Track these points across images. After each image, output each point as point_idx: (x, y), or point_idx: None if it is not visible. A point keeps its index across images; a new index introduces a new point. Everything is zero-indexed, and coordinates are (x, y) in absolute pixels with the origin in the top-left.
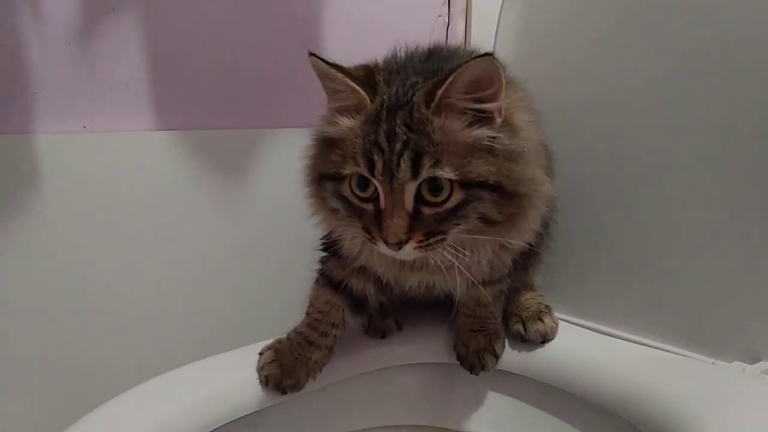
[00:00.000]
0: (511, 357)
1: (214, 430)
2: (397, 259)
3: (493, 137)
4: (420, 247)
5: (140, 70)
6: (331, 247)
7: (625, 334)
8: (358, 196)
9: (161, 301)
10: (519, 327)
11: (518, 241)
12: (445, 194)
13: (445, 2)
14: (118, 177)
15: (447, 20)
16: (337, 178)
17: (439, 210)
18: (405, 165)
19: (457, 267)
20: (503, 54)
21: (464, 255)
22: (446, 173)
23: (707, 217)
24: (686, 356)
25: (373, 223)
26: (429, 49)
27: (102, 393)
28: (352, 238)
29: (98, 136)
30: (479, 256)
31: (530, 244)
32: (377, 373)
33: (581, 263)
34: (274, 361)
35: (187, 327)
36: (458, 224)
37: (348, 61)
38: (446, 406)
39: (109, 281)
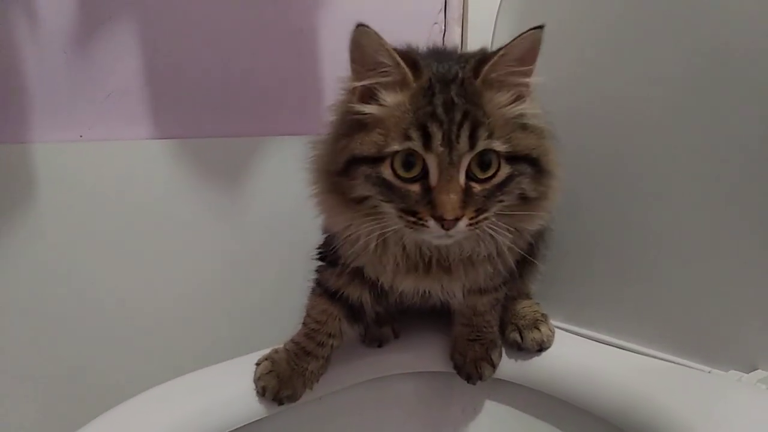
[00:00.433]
0: (507, 365)
1: None
2: (428, 245)
3: (531, 113)
4: (471, 224)
5: (137, 79)
6: (327, 256)
7: (621, 342)
8: (400, 177)
9: (157, 310)
10: (516, 335)
11: (537, 226)
12: (493, 169)
13: (441, 10)
14: (115, 186)
15: (443, 28)
16: (377, 160)
17: (486, 186)
18: (464, 135)
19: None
20: None
21: (485, 242)
22: (498, 146)
23: (703, 225)
24: (683, 365)
25: (422, 203)
26: (429, 48)
27: (98, 403)
28: (368, 234)
29: (95, 145)
30: (497, 245)
31: (526, 253)
32: (374, 382)
33: (577, 271)
34: (270, 372)
35: (183, 336)
36: (502, 200)
37: (345, 68)
38: (443, 414)
39: (106, 291)
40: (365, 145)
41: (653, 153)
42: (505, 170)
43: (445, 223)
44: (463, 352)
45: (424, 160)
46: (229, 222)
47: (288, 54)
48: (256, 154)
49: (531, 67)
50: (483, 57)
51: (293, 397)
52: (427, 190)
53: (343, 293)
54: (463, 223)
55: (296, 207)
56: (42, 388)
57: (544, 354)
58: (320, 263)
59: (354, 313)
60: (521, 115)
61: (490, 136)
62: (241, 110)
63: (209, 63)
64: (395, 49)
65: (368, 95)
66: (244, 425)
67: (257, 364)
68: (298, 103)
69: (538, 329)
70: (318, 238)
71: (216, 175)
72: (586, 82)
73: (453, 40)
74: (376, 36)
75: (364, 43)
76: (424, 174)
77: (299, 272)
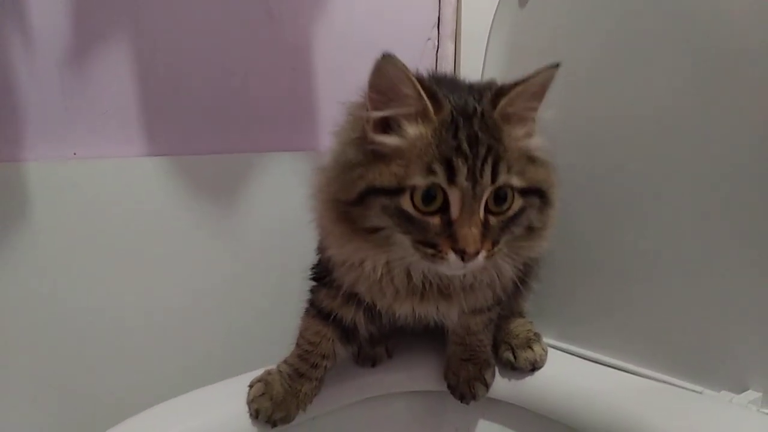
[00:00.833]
0: (501, 385)
1: None
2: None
3: (540, 146)
4: (488, 256)
5: (131, 96)
6: (321, 276)
7: (614, 361)
8: (419, 209)
9: (151, 329)
10: (509, 355)
11: (538, 253)
12: (509, 202)
13: (434, 26)
14: (109, 204)
15: (437, 43)
16: (396, 191)
17: (501, 218)
18: (487, 170)
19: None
20: (492, 77)
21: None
22: (516, 181)
23: (695, 244)
24: (675, 384)
25: (442, 235)
26: (429, 74)
27: (90, 425)
28: (373, 264)
29: (88, 163)
30: (499, 272)
31: (521, 274)
32: (368, 402)
33: (569, 289)
34: (264, 394)
35: (176, 356)
36: (513, 232)
37: (340, 84)
38: None
39: (99, 309)
40: (384, 176)
41: (645, 171)
42: (518, 203)
43: (465, 257)
44: (456, 372)
45: (445, 193)
46: (224, 239)
47: (282, 71)
48: (250, 171)
49: (542, 101)
50: (499, 90)
51: (287, 419)
52: (448, 222)
53: (336, 314)
54: (481, 256)
55: (291, 224)
56: (34, 407)
57: (537, 373)
58: (314, 283)
59: (347, 333)
60: (532, 148)
61: (509, 171)
62: (236, 127)
63: (203, 80)
64: (418, 79)
65: (385, 125)
66: None
67: (250, 386)
68: (293, 119)
69: (531, 349)
70: (312, 257)
71: (210, 191)
72: (575, 99)
73: (446, 55)
74: (403, 66)
75: (389, 73)
76: (445, 207)
77: (294, 288)
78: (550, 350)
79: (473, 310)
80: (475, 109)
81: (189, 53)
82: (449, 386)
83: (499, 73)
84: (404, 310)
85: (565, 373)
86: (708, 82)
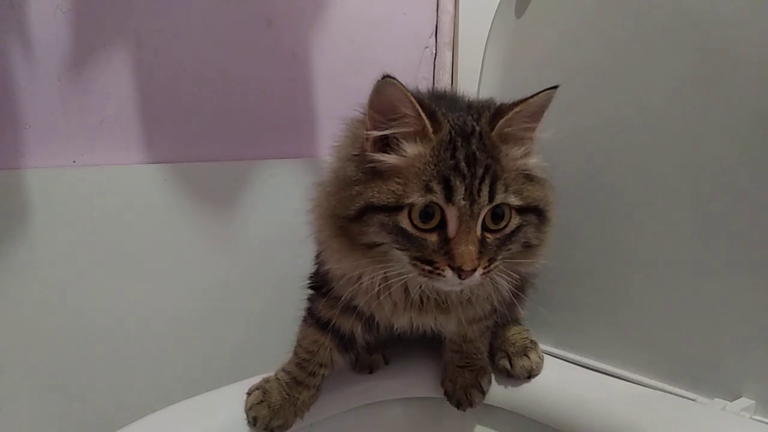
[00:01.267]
0: (497, 392)
1: None
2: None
3: (537, 165)
4: (485, 273)
5: (130, 104)
6: (319, 286)
7: (609, 368)
8: (417, 227)
9: (149, 336)
10: (505, 362)
11: (535, 269)
12: (506, 220)
13: (432, 34)
14: (108, 211)
15: (434, 52)
16: (394, 209)
17: (498, 236)
18: (485, 190)
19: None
20: (489, 85)
21: (486, 285)
22: (513, 200)
23: (690, 252)
24: (669, 391)
25: (439, 252)
26: (429, 92)
27: (88, 431)
28: (371, 279)
29: (88, 170)
30: (497, 287)
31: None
32: (365, 409)
33: (565, 297)
34: (262, 402)
35: (175, 362)
36: (510, 249)
37: (339, 91)
38: None
39: (99, 315)
40: (383, 194)
41: (639, 183)
42: (515, 221)
43: (462, 274)
44: (453, 379)
45: (443, 211)
46: (223, 246)
47: (281, 78)
48: (249, 178)
49: (539, 122)
50: (498, 110)
51: (284, 427)
52: (445, 240)
53: (335, 324)
54: (478, 273)
55: (289, 231)
56: (36, 410)
57: (534, 381)
58: (312, 292)
59: (345, 342)
60: (530, 167)
61: (506, 190)
62: (235, 134)
63: (203, 88)
64: (417, 100)
65: (384, 143)
66: None
67: (248, 394)
68: (291, 126)
69: (528, 356)
70: (310, 265)
71: (209, 199)
72: (569, 108)
73: (444, 64)
74: (402, 88)
75: (389, 94)
76: (442, 224)
77: (292, 295)
78: (546, 357)
79: (470, 320)
80: (474, 128)
81: (188, 61)
82: (446, 393)
83: (496, 81)
84: (402, 322)
85: (560, 380)
86: (703, 90)
